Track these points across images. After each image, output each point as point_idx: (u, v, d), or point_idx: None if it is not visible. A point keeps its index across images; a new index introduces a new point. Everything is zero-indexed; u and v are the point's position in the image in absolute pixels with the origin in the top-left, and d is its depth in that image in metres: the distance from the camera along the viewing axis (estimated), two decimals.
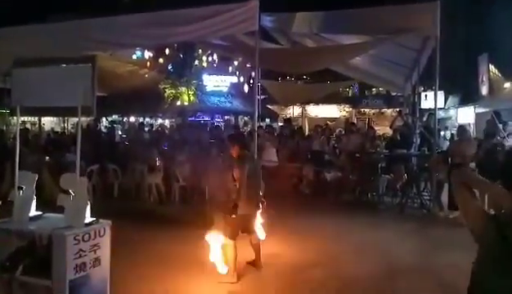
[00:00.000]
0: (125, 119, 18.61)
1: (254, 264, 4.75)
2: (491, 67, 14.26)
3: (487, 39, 15.65)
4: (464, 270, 4.52)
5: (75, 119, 4.30)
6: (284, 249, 5.40)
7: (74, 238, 3.09)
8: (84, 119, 11.83)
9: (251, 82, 15.91)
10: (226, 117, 19.94)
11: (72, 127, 14.83)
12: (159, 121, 18.54)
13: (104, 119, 17.20)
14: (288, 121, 13.31)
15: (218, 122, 17.58)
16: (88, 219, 3.27)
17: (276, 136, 10.98)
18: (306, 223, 6.38)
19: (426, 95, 17.10)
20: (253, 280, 4.51)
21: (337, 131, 13.08)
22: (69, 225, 3.17)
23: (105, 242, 3.32)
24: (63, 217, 3.24)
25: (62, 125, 16.02)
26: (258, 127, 9.81)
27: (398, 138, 9.46)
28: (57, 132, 14.14)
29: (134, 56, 13.20)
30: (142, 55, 13.48)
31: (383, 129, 16.26)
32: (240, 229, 4.57)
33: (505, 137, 8.08)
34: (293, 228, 6.24)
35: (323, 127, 11.59)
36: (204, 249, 4.55)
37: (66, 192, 3.31)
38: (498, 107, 12.15)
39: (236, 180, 4.55)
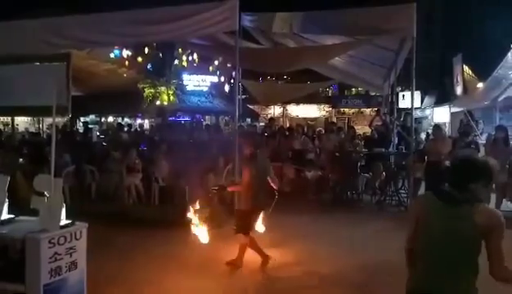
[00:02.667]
0: (103, 119, 18.25)
1: (234, 262, 4.76)
2: (466, 68, 14.70)
3: (461, 41, 16.14)
4: None
5: (50, 119, 4.18)
6: (262, 246, 5.41)
7: (49, 242, 3.00)
8: (60, 119, 11.62)
9: (232, 81, 15.88)
10: (206, 116, 19.84)
11: (47, 128, 14.43)
12: (139, 121, 18.26)
13: (81, 119, 16.81)
14: (271, 120, 13.34)
15: (201, 121, 17.44)
16: (64, 221, 3.19)
17: (258, 136, 10.98)
18: (285, 221, 6.37)
19: (403, 95, 17.48)
20: (232, 278, 4.51)
21: (317, 130, 13.21)
22: (44, 228, 3.08)
23: (82, 245, 3.23)
24: (37, 220, 3.14)
25: (37, 126, 15.57)
26: (239, 127, 9.79)
27: (376, 137, 9.64)
28: (33, 133, 13.74)
29: (112, 55, 12.93)
30: (120, 53, 13.22)
31: (362, 128, 16.53)
32: (236, 224, 4.67)
33: (477, 135, 8.34)
34: (272, 226, 6.27)
35: (303, 126, 11.68)
36: (186, 249, 4.52)
37: (41, 194, 3.21)
38: (471, 106, 12.57)
39: (242, 177, 4.73)
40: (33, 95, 3.25)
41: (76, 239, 3.19)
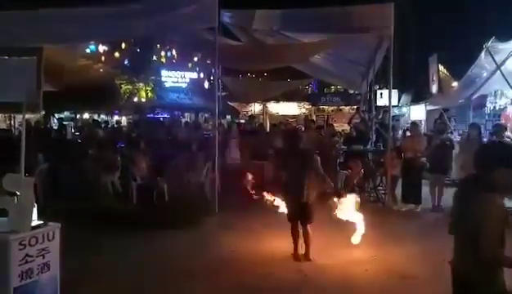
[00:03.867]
0: (78, 116, 17.76)
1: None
2: (441, 67, 15.06)
3: (436, 40, 16.52)
4: (415, 258, 4.70)
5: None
6: (239, 246, 5.40)
7: (20, 243, 2.89)
8: (33, 116, 11.24)
9: (211, 78, 15.76)
10: (186, 113, 19.62)
11: (19, 125, 13.91)
12: (116, 118, 17.87)
13: (56, 116, 16.30)
14: (251, 117, 13.30)
15: (180, 118, 17.19)
16: (35, 222, 3.07)
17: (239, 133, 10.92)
18: (263, 219, 6.32)
19: (381, 93, 17.77)
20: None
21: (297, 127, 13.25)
22: (14, 229, 2.95)
23: (55, 246, 3.13)
24: (6, 221, 3.01)
25: (8, 122, 14.99)
26: (219, 124, 9.71)
27: (354, 134, 9.75)
28: (3, 129, 13.21)
29: (87, 50, 12.60)
30: (96, 48, 12.90)
31: (341, 126, 16.69)
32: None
33: (452, 132, 8.56)
34: (248, 224, 6.26)
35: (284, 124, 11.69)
36: (165, 249, 4.44)
37: (12, 194, 3.08)
38: (446, 105, 12.89)
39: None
40: (2, 91, 3.10)
41: (49, 240, 3.08)
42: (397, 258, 5.02)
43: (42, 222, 3.07)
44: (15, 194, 3.05)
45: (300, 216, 4.89)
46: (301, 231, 4.95)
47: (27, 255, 2.92)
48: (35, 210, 3.05)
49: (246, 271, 4.63)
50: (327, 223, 5.32)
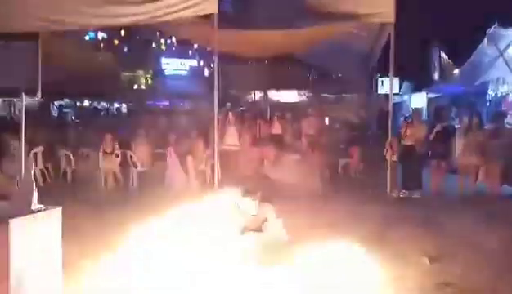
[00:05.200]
0: (78, 104, 17.72)
1: None
2: (443, 54, 14.95)
3: (439, 27, 16.36)
4: (414, 243, 4.71)
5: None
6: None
7: (20, 227, 2.90)
8: (33, 102, 11.19)
9: (211, 65, 15.66)
10: (186, 101, 19.55)
11: (19, 112, 13.89)
12: (116, 105, 17.83)
13: (55, 104, 16.27)
14: (251, 105, 13.28)
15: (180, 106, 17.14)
16: (36, 206, 3.08)
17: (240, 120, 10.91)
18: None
19: (382, 81, 17.68)
20: None
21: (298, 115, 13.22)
22: (14, 213, 2.97)
23: (56, 231, 3.14)
24: (6, 205, 3.03)
25: (8, 109, 14.99)
26: (219, 112, 9.69)
27: (356, 122, 9.75)
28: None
29: (87, 37, 12.52)
30: (96, 36, 12.81)
31: (342, 114, 16.66)
32: None
33: (453, 119, 8.54)
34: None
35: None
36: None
37: (11, 177, 3.09)
38: (448, 92, 12.85)
39: None
40: (1, 76, 3.09)
41: (49, 224, 3.09)
42: (402, 243, 4.90)
43: (42, 206, 3.08)
44: (16, 178, 3.06)
45: None
46: None
47: (28, 239, 2.94)
48: (35, 193, 3.05)
49: None
50: None
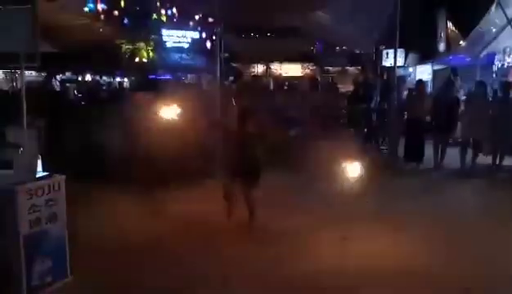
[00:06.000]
0: (80, 78, 17.60)
1: None
2: (449, 24, 14.58)
3: None
4: (414, 215, 4.74)
5: (25, 78, 3.82)
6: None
7: (27, 193, 2.96)
8: (35, 76, 11.08)
9: (213, 38, 15.38)
10: (189, 75, 19.34)
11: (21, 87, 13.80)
12: (118, 79, 17.69)
13: (57, 78, 16.15)
14: (254, 77, 13.13)
15: (182, 79, 16.94)
16: (41, 173, 3.13)
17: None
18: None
19: (387, 53, 17.31)
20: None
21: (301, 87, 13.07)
22: (20, 180, 3.01)
23: (61, 197, 3.20)
24: (12, 173, 3.07)
25: (10, 84, 14.89)
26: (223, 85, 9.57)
27: (362, 92, 9.63)
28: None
29: (86, 9, 12.29)
30: (95, 7, 12.57)
31: (346, 87, 16.47)
32: None
33: (458, 91, 8.42)
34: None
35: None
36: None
37: (14, 146, 3.12)
38: (454, 63, 12.59)
39: None
40: None
41: (54, 191, 3.15)
42: (403, 216, 4.96)
43: (47, 173, 3.12)
44: (19, 147, 3.08)
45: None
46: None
47: (34, 204, 3.00)
48: (39, 161, 3.09)
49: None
50: None
